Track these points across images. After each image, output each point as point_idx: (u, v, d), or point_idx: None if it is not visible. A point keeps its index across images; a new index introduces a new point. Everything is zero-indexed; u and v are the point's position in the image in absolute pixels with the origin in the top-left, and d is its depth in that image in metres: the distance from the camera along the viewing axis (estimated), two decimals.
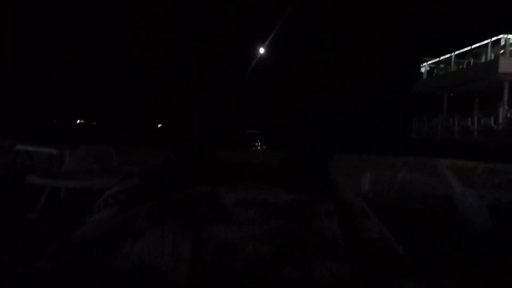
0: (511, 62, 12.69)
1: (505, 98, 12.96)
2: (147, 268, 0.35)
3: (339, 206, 0.56)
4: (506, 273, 1.89)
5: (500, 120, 12.87)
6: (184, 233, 0.41)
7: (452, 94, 16.71)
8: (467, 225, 2.63)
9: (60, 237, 0.62)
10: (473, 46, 14.76)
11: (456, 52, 15.87)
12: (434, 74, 17.48)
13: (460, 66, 15.64)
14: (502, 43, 13.47)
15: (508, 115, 12.76)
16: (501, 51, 13.40)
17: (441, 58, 16.93)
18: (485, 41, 14.02)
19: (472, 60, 15.09)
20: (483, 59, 14.33)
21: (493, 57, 13.60)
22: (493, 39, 13.65)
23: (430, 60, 17.62)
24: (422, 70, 18.12)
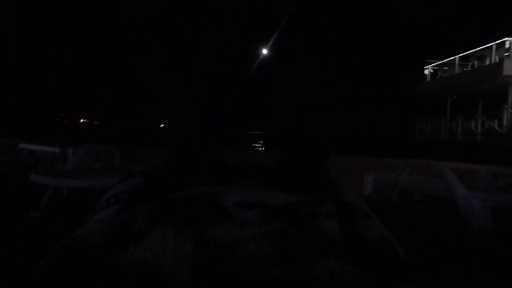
0: None
1: (510, 101, 12.88)
2: (150, 267, 0.35)
3: (340, 207, 0.56)
4: (509, 277, 1.88)
5: (504, 123, 12.79)
6: (186, 232, 0.41)
7: (455, 96, 16.63)
8: (470, 228, 2.62)
9: (62, 235, 0.62)
10: (477, 48, 14.69)
11: (460, 55, 15.81)
12: (438, 76, 17.42)
13: (464, 69, 15.57)
14: (507, 45, 13.40)
15: None
16: (506, 54, 13.32)
17: (445, 60, 16.86)
18: (490, 44, 13.96)
19: (476, 63, 15.01)
20: (487, 62, 14.26)
21: (497, 59, 13.52)
22: (498, 42, 13.58)
23: (434, 62, 17.56)
24: (426, 72, 18.06)
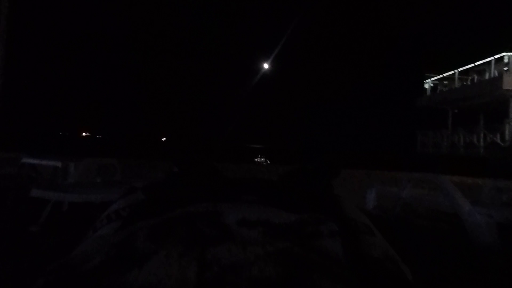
0: None
1: (511, 114, 12.91)
2: None
3: (342, 225, 0.55)
4: None
5: (507, 136, 12.77)
6: (189, 254, 0.40)
7: (456, 110, 16.70)
8: (476, 245, 2.56)
9: (61, 251, 0.61)
10: (477, 63, 14.88)
11: (460, 69, 16.00)
12: (438, 90, 17.56)
13: (464, 83, 15.71)
14: (505, 60, 13.57)
15: None
16: (505, 68, 13.47)
17: (445, 74, 17.05)
18: (489, 59, 14.14)
19: (476, 77, 15.16)
20: (486, 76, 14.40)
21: (496, 74, 13.66)
22: (496, 56, 13.77)
23: (434, 76, 17.75)
24: (426, 86, 18.23)
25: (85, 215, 2.77)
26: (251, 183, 0.84)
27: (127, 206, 0.75)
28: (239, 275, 0.37)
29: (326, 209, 0.60)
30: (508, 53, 13.27)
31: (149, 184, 0.91)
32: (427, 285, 1.79)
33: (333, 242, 0.46)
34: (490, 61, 14.01)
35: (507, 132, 12.73)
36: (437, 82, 17.63)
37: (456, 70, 15.99)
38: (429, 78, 17.82)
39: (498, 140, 12.93)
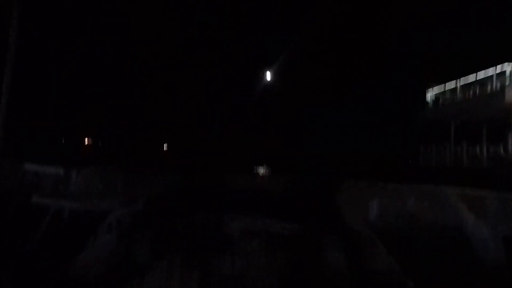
0: None
1: None
2: None
3: (345, 236, 0.55)
4: None
5: (510, 149, 12.70)
6: (191, 264, 0.40)
7: (459, 122, 16.68)
8: (481, 258, 2.52)
9: (62, 258, 0.61)
10: (479, 76, 14.94)
11: (462, 82, 16.06)
12: (440, 103, 17.59)
13: (466, 95, 15.73)
14: (507, 73, 13.62)
15: None
16: (507, 82, 13.51)
17: (447, 87, 17.11)
18: (491, 71, 14.21)
19: (478, 90, 15.20)
20: (489, 89, 14.43)
21: (499, 86, 13.70)
22: (498, 69, 13.83)
23: (436, 88, 17.81)
24: (428, 98, 18.27)
25: (86, 223, 2.76)
26: (253, 193, 0.83)
27: (128, 215, 0.75)
28: (241, 285, 0.36)
29: (329, 220, 0.59)
30: (510, 66, 13.33)
31: (150, 194, 0.91)
32: None
33: (335, 254, 0.45)
34: (492, 74, 14.07)
35: (510, 143, 12.66)
36: (439, 94, 17.70)
37: (458, 83, 16.06)
38: (432, 90, 17.90)
39: (501, 152, 12.85)
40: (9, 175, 4.10)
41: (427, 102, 18.34)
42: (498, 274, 2.35)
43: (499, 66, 13.68)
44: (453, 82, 16.55)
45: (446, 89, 17.15)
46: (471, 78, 15.45)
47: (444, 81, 17.42)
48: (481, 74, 14.80)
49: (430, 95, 18.16)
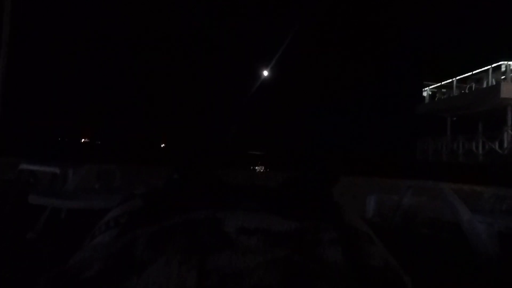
0: None
1: (509, 122, 12.96)
2: None
3: (343, 233, 0.55)
4: None
5: (505, 144, 12.81)
6: (189, 262, 0.40)
7: (455, 118, 16.76)
8: (476, 254, 2.54)
9: (59, 259, 0.60)
10: (474, 71, 15.00)
11: (458, 77, 16.11)
12: (436, 98, 17.66)
13: (462, 91, 15.80)
14: (503, 69, 13.67)
15: None
16: (502, 77, 13.57)
17: (443, 82, 17.16)
18: (486, 67, 14.26)
19: (473, 85, 15.26)
20: (484, 84, 14.50)
21: (494, 82, 13.76)
22: (494, 65, 13.88)
23: (432, 84, 17.86)
24: (425, 93, 18.33)
25: (84, 222, 2.75)
26: (251, 190, 0.83)
27: (126, 213, 0.74)
28: (239, 284, 0.36)
29: (326, 217, 0.60)
30: (505, 62, 13.40)
31: (148, 191, 0.91)
32: None
33: (333, 251, 0.45)
34: (487, 70, 14.13)
35: (505, 139, 12.77)
36: (435, 90, 17.75)
37: (454, 79, 16.12)
38: (428, 86, 17.95)
39: (497, 148, 12.96)
40: (5, 174, 4.07)
41: (424, 97, 18.39)
42: (493, 268, 2.37)
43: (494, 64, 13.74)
44: (450, 78, 16.61)
45: (442, 83, 17.20)
46: (467, 73, 15.51)
47: (440, 78, 17.48)
48: (477, 71, 14.87)
49: (427, 90, 18.21)
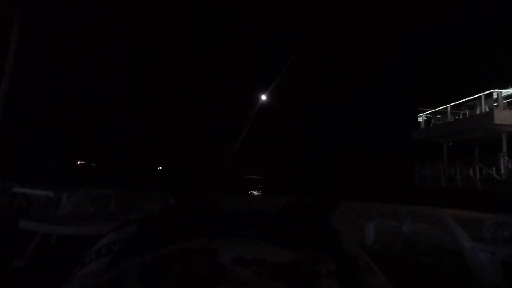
0: (506, 114, 13.10)
1: (504, 149, 13.09)
2: None
3: (342, 263, 0.53)
4: None
5: (502, 170, 12.84)
6: None
7: (451, 143, 16.92)
8: (480, 283, 2.46)
9: None
10: (468, 98, 15.38)
11: (452, 104, 16.48)
12: (431, 124, 17.93)
13: (457, 117, 16.10)
14: (495, 96, 14.05)
15: (510, 165, 12.80)
16: (495, 104, 13.90)
17: (438, 109, 17.52)
18: (479, 94, 14.65)
19: (467, 112, 15.58)
20: (477, 111, 14.80)
21: (487, 109, 14.07)
22: (486, 92, 14.28)
23: (427, 110, 18.21)
24: (420, 119, 18.62)
25: (75, 248, 2.66)
26: (248, 216, 0.82)
27: (118, 240, 0.72)
28: None
29: (324, 246, 0.58)
30: (497, 90, 13.79)
31: (143, 217, 0.88)
32: None
33: (331, 283, 0.44)
34: (480, 97, 14.50)
35: (502, 165, 12.82)
36: (430, 115, 18.06)
37: (448, 105, 16.47)
38: (423, 112, 18.28)
39: (494, 174, 12.97)
40: None
41: (419, 123, 18.66)
42: None
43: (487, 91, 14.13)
44: (444, 104, 16.97)
45: (437, 109, 17.54)
46: (460, 100, 15.88)
47: (435, 104, 17.86)
48: (470, 98, 15.24)
49: (422, 115, 18.52)
